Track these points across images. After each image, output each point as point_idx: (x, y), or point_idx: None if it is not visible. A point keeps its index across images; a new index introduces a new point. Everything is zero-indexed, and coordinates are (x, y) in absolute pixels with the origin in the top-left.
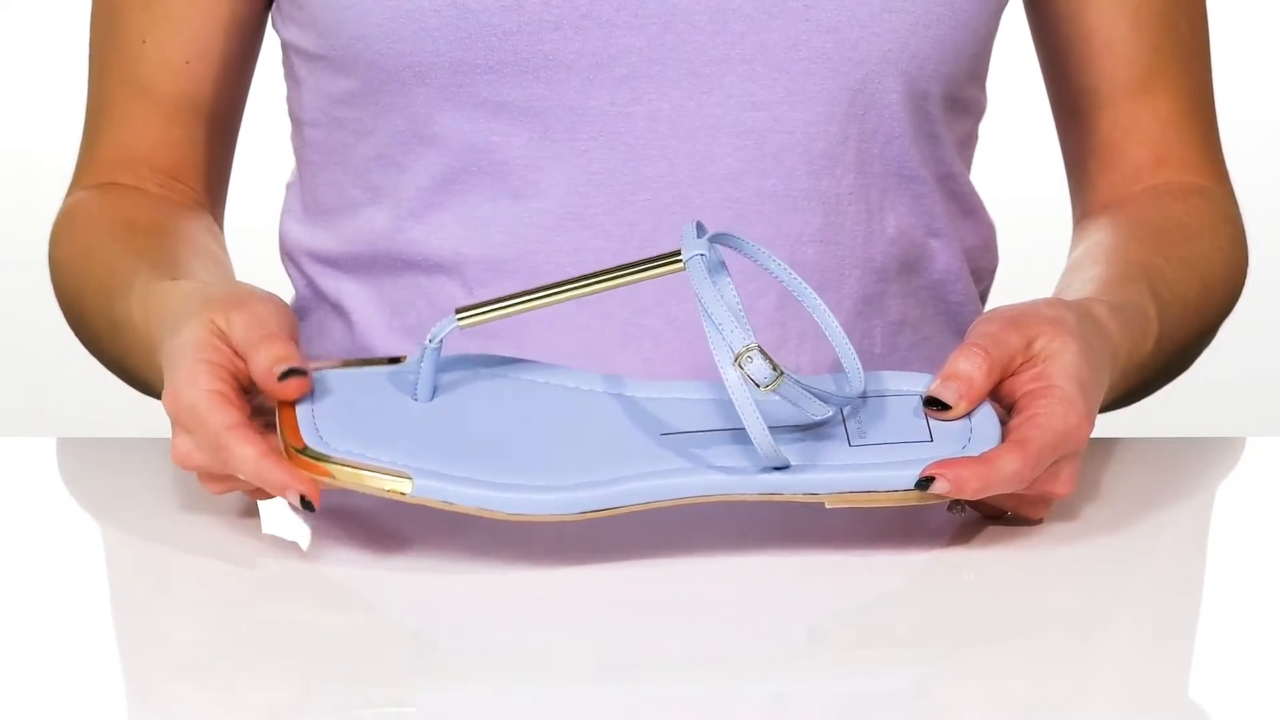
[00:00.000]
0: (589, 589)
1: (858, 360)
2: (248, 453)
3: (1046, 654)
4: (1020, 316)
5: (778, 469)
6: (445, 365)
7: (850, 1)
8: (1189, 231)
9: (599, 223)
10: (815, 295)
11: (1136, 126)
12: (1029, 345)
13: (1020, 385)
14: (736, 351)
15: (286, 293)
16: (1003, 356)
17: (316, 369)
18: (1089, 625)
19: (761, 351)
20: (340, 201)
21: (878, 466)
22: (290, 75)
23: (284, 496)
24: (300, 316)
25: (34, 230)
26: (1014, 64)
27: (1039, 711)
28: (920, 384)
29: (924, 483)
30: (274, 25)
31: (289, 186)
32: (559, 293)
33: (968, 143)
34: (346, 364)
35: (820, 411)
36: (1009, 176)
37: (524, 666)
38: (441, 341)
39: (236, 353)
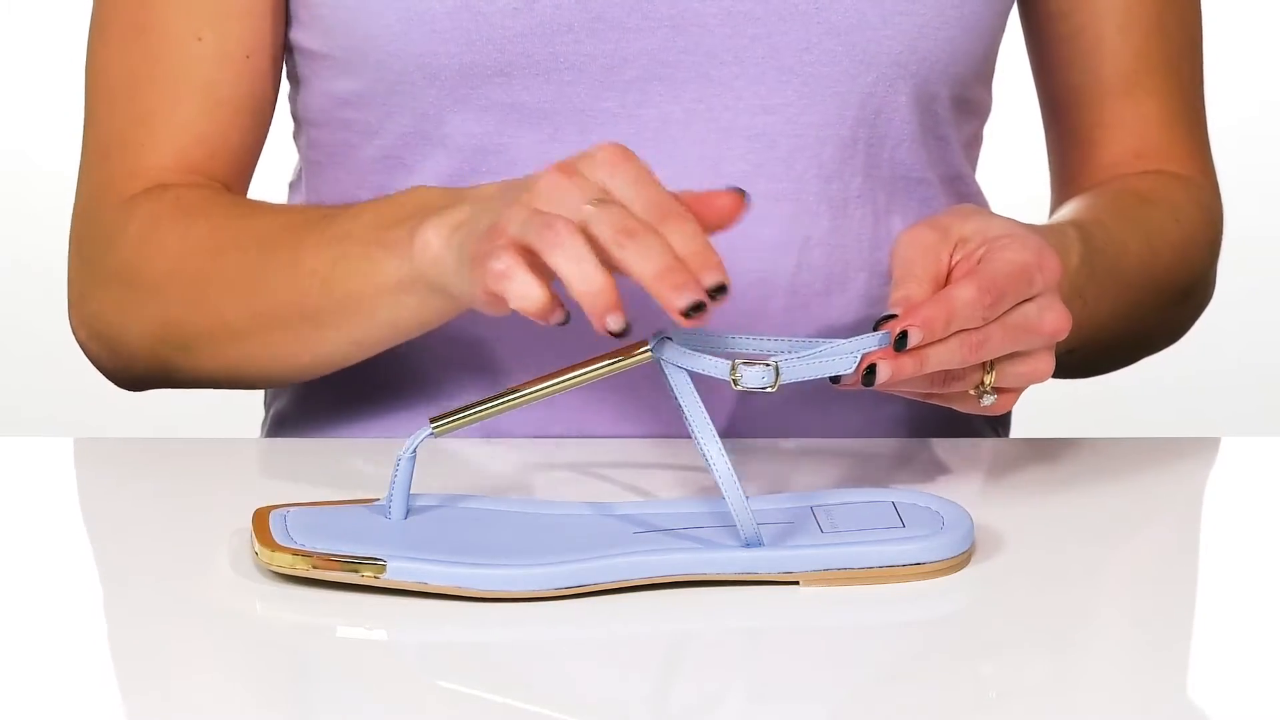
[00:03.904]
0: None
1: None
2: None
3: (1026, 654)
4: (937, 224)
5: (753, 548)
6: (417, 499)
7: (861, 5)
8: (1144, 199)
9: None
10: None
11: (1119, 125)
12: (950, 234)
13: (968, 265)
14: (727, 374)
15: None
16: (930, 268)
17: (289, 508)
18: (1066, 624)
19: (746, 361)
20: (345, 202)
21: (852, 544)
22: (293, 74)
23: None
24: None
25: (39, 235)
26: (1014, 64)
27: (1021, 710)
28: (889, 494)
29: (869, 375)
30: None
31: (292, 186)
32: (530, 394)
33: (974, 143)
34: (322, 504)
35: (841, 365)
36: (1008, 176)
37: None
38: (415, 452)
39: None
